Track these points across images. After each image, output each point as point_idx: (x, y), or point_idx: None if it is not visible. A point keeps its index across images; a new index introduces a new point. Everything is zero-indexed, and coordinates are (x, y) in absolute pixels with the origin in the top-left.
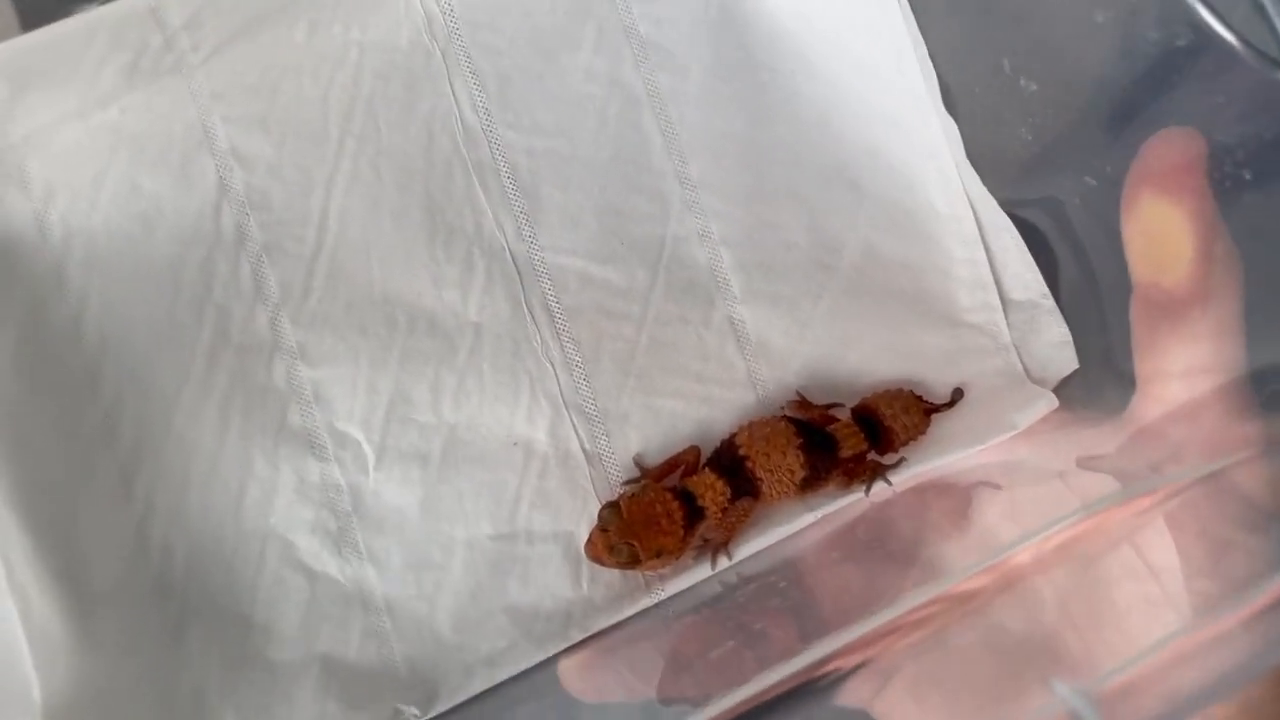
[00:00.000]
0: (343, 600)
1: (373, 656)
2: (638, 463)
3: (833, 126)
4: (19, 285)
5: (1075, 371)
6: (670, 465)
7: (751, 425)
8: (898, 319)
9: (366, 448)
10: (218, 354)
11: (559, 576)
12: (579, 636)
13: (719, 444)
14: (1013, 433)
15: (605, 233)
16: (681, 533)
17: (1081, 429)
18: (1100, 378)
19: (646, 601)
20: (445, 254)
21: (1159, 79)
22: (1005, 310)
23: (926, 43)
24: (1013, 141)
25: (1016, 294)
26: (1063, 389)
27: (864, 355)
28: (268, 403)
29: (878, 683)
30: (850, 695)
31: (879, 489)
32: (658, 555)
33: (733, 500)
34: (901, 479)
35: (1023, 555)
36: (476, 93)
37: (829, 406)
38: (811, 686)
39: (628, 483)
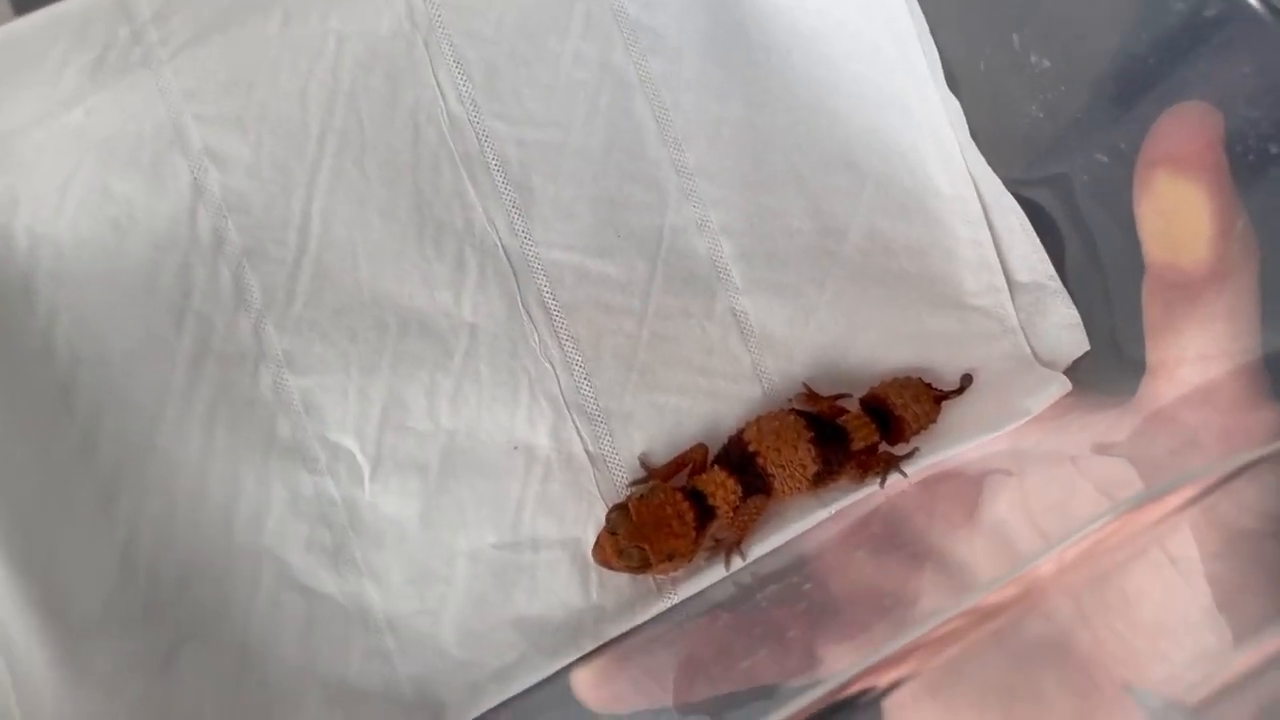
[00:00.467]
0: (342, 619)
1: (375, 677)
2: (643, 463)
3: (832, 107)
4: None
5: (1088, 353)
6: (677, 464)
7: (760, 420)
8: (904, 304)
9: (361, 458)
10: (199, 365)
11: (567, 584)
12: (591, 646)
13: (726, 440)
14: (1026, 419)
15: (601, 224)
16: (693, 534)
17: (1091, 413)
18: (1107, 360)
19: (659, 606)
20: (435, 252)
21: (1183, 51)
22: (1012, 292)
23: (928, 18)
24: (1021, 119)
25: (1022, 275)
26: (1075, 371)
27: (871, 342)
28: (255, 415)
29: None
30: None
31: (894, 480)
32: (669, 558)
33: (744, 498)
34: (916, 469)
35: (1046, 565)
36: (462, 82)
37: (837, 397)
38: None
39: (634, 484)
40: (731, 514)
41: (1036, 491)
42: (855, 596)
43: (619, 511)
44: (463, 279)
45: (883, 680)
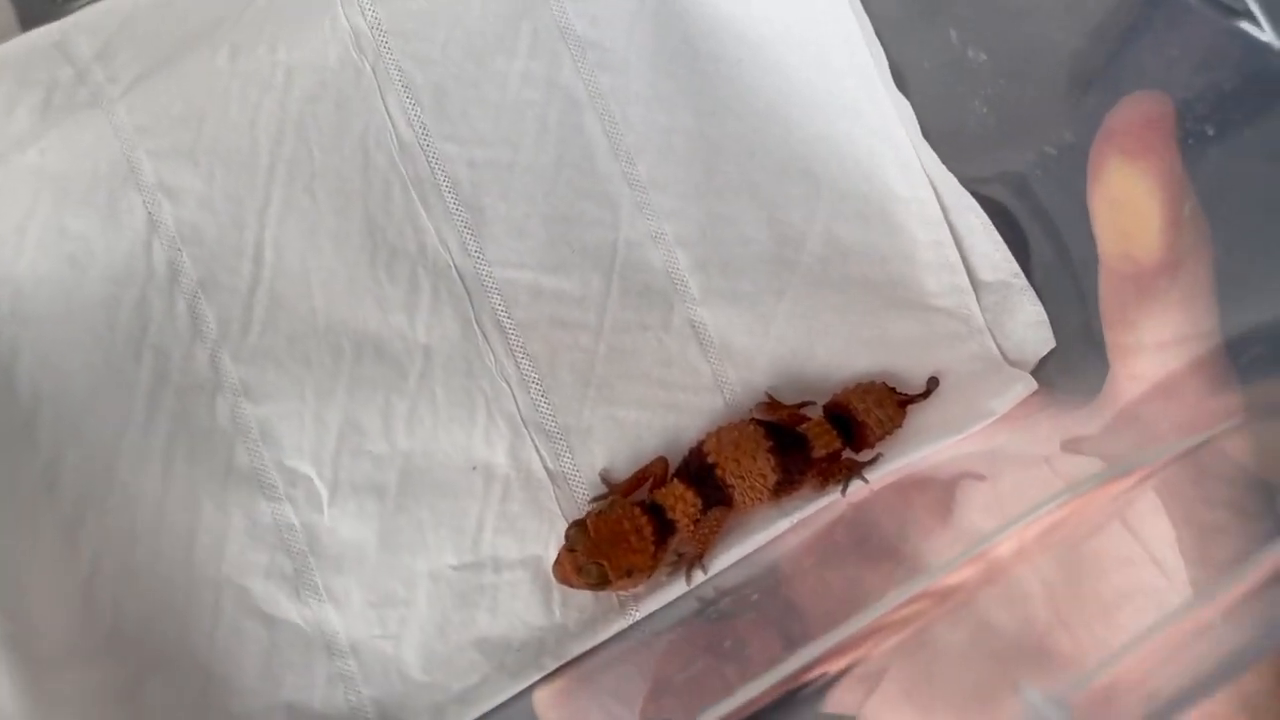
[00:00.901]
0: (304, 645)
1: (339, 702)
2: (604, 478)
3: (784, 114)
4: None
5: (1054, 351)
6: (638, 479)
7: (719, 431)
8: (865, 309)
9: (319, 483)
10: (158, 397)
11: (529, 604)
12: (553, 665)
13: (687, 453)
14: (991, 420)
15: (554, 241)
16: (652, 549)
17: (1063, 410)
18: (1080, 355)
19: (621, 624)
20: (388, 276)
21: (1111, 37)
22: (976, 292)
23: (870, 19)
24: (968, 116)
25: (986, 275)
26: (1042, 370)
27: (833, 349)
28: (213, 444)
29: (866, 686)
30: (838, 701)
31: (856, 488)
32: (628, 574)
33: (704, 511)
34: (878, 476)
35: (1005, 546)
36: (410, 107)
37: (800, 405)
38: (798, 694)
39: (595, 500)
40: (691, 527)
41: (1011, 493)
42: (821, 604)
43: (577, 528)
44: (416, 301)
45: (835, 667)
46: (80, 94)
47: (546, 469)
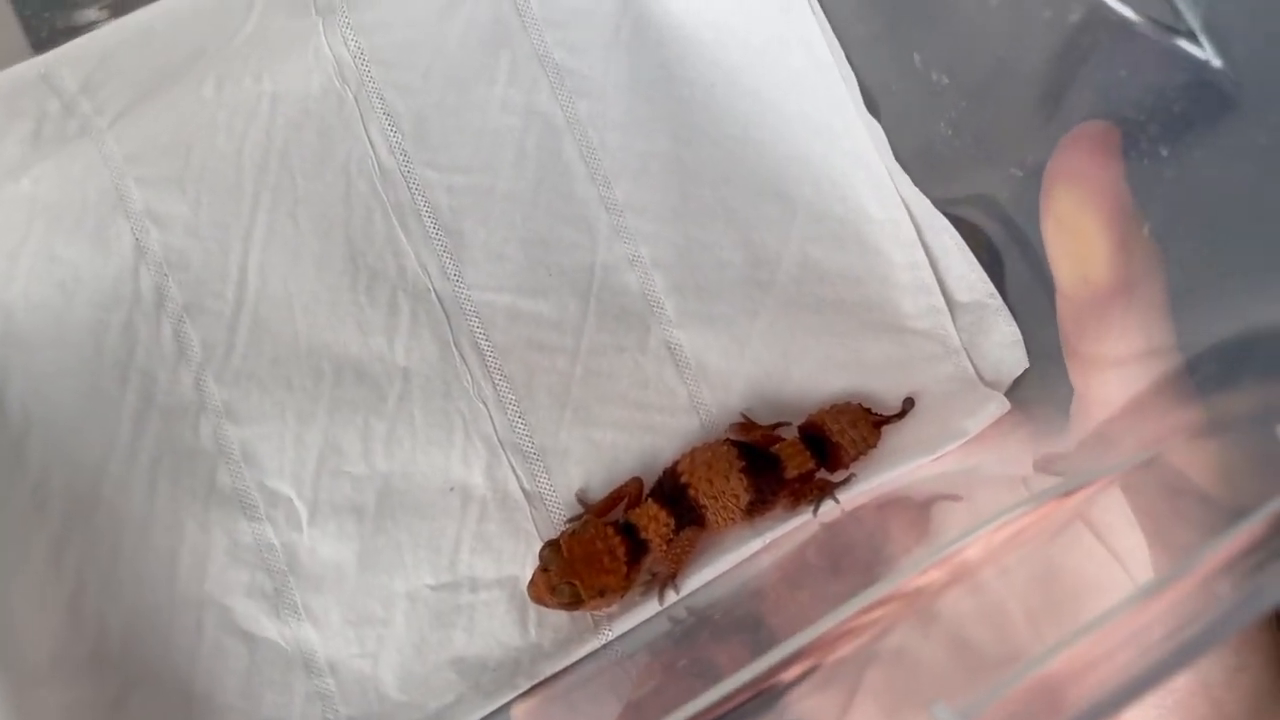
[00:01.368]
0: (284, 664)
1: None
2: (580, 499)
3: (758, 138)
4: None
5: (1031, 370)
6: (613, 499)
7: (694, 451)
8: (841, 331)
9: (299, 504)
10: (143, 419)
11: (505, 623)
12: (526, 685)
13: (661, 473)
14: (964, 439)
15: (532, 265)
16: (625, 569)
17: (1037, 430)
18: (1057, 374)
19: (595, 643)
20: (369, 299)
21: (1060, 58)
22: (952, 313)
23: (841, 44)
24: (935, 139)
25: (962, 295)
26: (1017, 389)
27: (808, 371)
28: (196, 465)
29: (839, 699)
30: (812, 712)
31: (828, 508)
32: (601, 594)
33: (677, 531)
34: (851, 496)
35: (972, 551)
36: (392, 134)
37: (775, 426)
38: (768, 700)
39: (571, 520)
40: (665, 547)
41: (986, 513)
42: (794, 624)
43: (551, 548)
44: (396, 324)
45: (798, 671)
46: (70, 125)
47: (523, 489)
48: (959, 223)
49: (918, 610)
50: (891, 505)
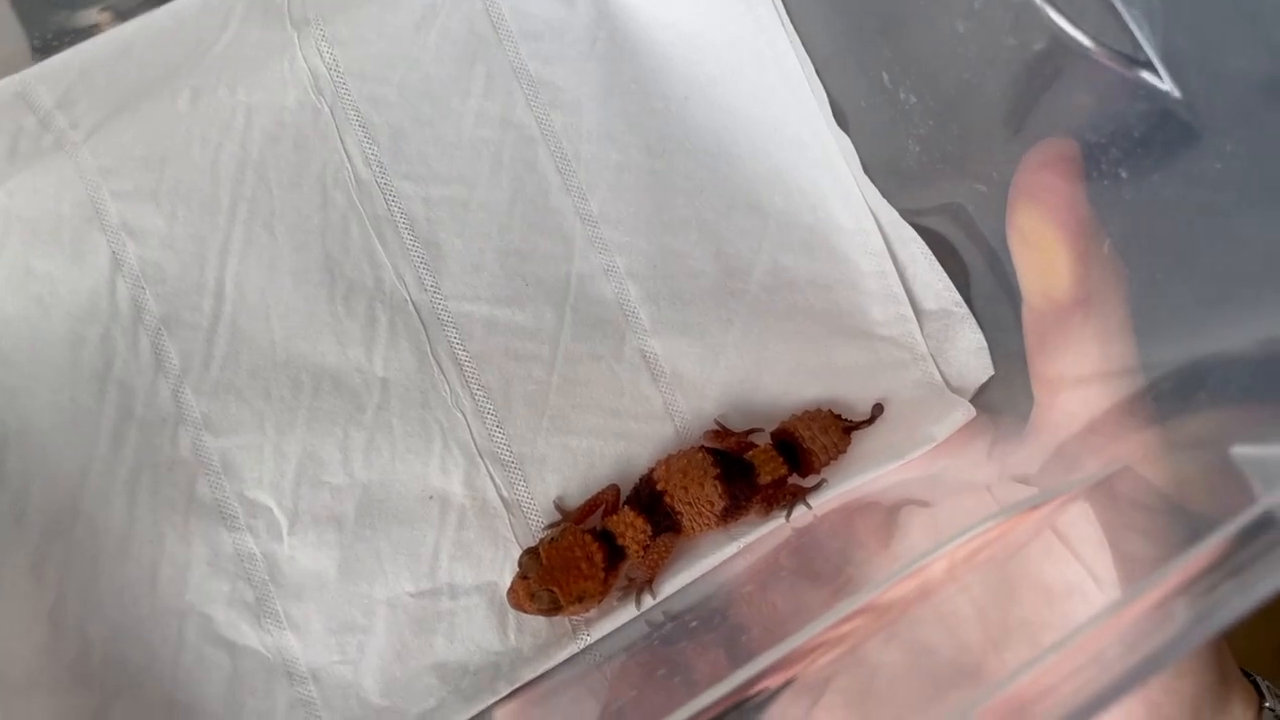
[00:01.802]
0: (266, 672)
1: None
2: (558, 506)
3: (730, 150)
4: None
5: (997, 378)
6: (590, 506)
7: (669, 459)
8: (812, 339)
9: (278, 514)
10: (122, 431)
11: (485, 629)
12: (506, 689)
13: (638, 480)
14: (931, 445)
15: (508, 275)
16: (602, 575)
17: (1001, 437)
18: (1021, 382)
19: (573, 648)
20: (346, 310)
21: (1024, 83)
22: (919, 320)
23: (811, 60)
24: (902, 154)
25: (929, 303)
26: (984, 396)
27: (780, 378)
28: (175, 476)
29: (804, 703)
30: (781, 716)
31: (800, 513)
32: (579, 600)
33: (654, 537)
34: (822, 501)
35: (938, 565)
36: (368, 146)
37: (748, 433)
38: (742, 708)
39: (549, 527)
40: (641, 553)
41: (950, 519)
42: (767, 626)
43: (530, 555)
44: (374, 335)
45: (774, 683)
46: (45, 139)
47: (501, 497)
48: (926, 233)
49: (886, 622)
50: (860, 510)
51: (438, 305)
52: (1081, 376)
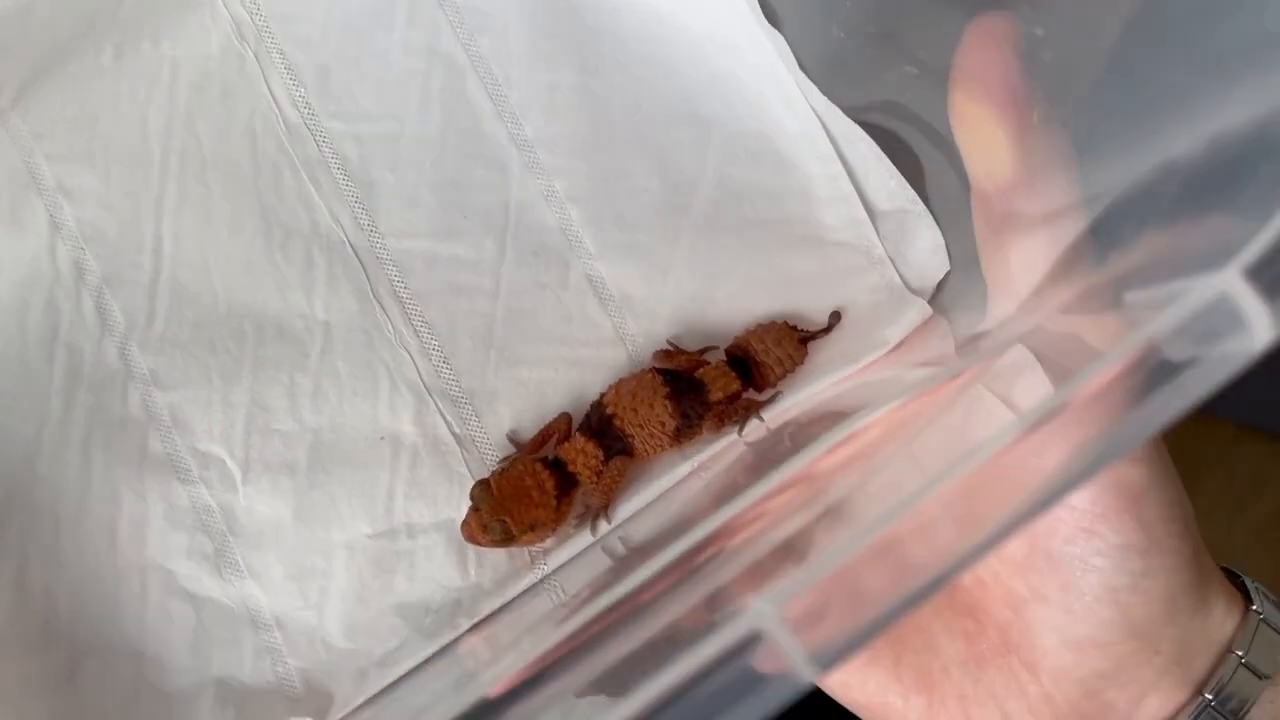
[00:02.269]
0: (230, 621)
1: (267, 673)
2: (512, 439)
3: (665, 60)
4: None
5: (952, 273)
6: (543, 437)
7: (619, 382)
8: (763, 250)
9: (231, 464)
10: (72, 393)
11: (445, 566)
12: (467, 624)
13: (590, 406)
14: (887, 349)
15: (445, 208)
16: (554, 502)
17: (960, 333)
18: (976, 275)
19: (531, 578)
20: (284, 257)
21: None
22: (874, 222)
23: None
24: (830, 44)
25: (883, 204)
26: (941, 295)
27: (733, 293)
28: (127, 433)
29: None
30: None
31: (754, 426)
32: (532, 528)
33: (606, 461)
34: (776, 412)
35: (874, 430)
36: (294, 88)
37: (702, 351)
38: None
39: (503, 460)
40: (594, 479)
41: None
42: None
43: (481, 486)
44: (313, 279)
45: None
46: None
47: (454, 434)
48: (875, 130)
49: (821, 492)
50: (817, 420)
51: (376, 244)
52: (1030, 262)
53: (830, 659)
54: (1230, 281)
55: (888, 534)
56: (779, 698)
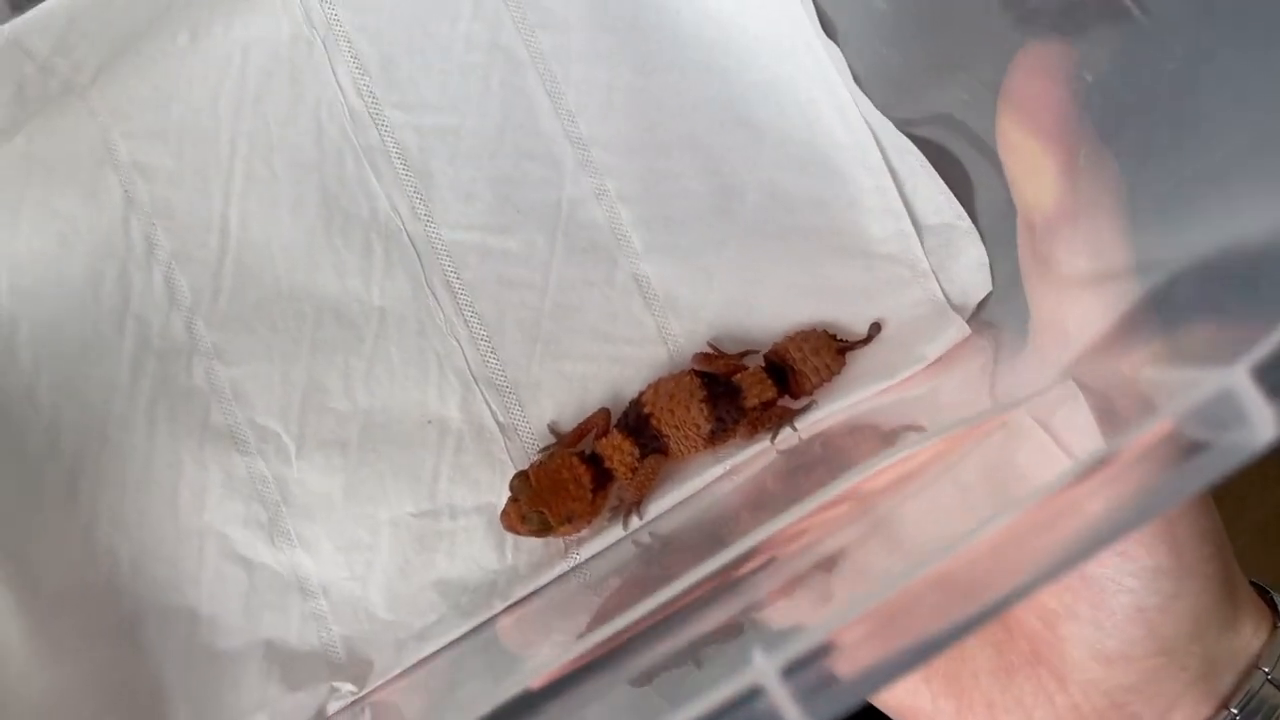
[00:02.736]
0: (280, 587)
1: (312, 639)
2: (552, 430)
3: (722, 64)
4: None
5: (995, 292)
6: (581, 431)
7: (658, 382)
8: (808, 258)
9: (286, 439)
10: (141, 362)
11: (484, 548)
12: (501, 606)
13: (629, 404)
14: (922, 365)
15: (499, 202)
16: (590, 496)
17: (1000, 353)
18: (1020, 296)
19: (564, 566)
20: (344, 242)
21: (973, 19)
22: (920, 236)
23: None
24: (887, 56)
25: (930, 218)
26: (983, 312)
27: (774, 299)
28: (191, 404)
29: (783, 590)
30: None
31: (786, 435)
32: (568, 520)
33: (641, 459)
34: (809, 423)
35: (922, 455)
36: (360, 77)
37: (741, 355)
38: (719, 596)
39: (543, 450)
40: (629, 475)
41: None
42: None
43: (520, 478)
44: (370, 265)
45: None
46: (51, 84)
47: (497, 422)
48: (927, 144)
49: (865, 511)
50: (852, 432)
51: (431, 234)
52: (1075, 292)
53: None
54: (1238, 379)
55: (926, 577)
56: None
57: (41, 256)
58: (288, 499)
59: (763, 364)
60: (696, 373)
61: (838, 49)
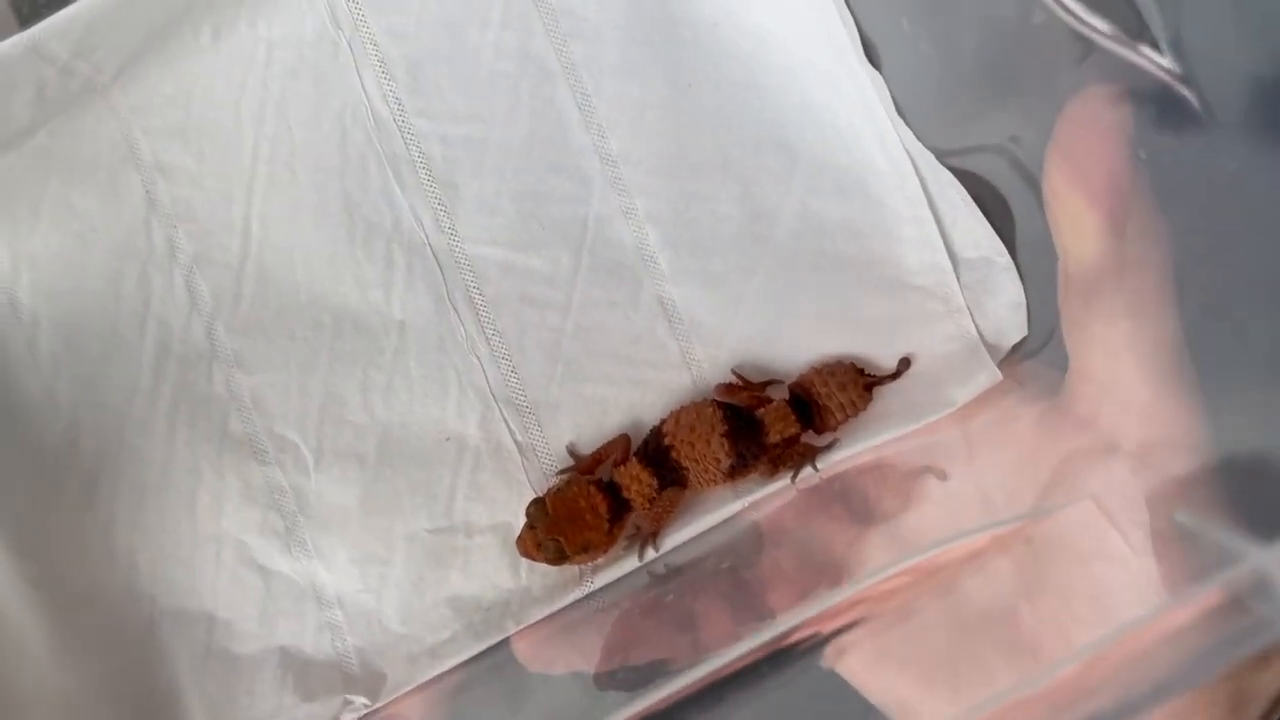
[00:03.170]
0: (297, 595)
1: (327, 649)
2: (571, 451)
3: (760, 83)
4: None
5: (1030, 335)
6: (600, 456)
7: (679, 412)
8: (839, 287)
9: (305, 450)
10: (161, 366)
11: (498, 567)
12: (514, 628)
13: (648, 433)
14: (950, 410)
15: (524, 218)
16: (607, 526)
17: (1033, 398)
18: (1056, 342)
19: (579, 592)
20: (365, 253)
21: (1021, 56)
22: (957, 270)
23: None
24: (936, 85)
25: (968, 251)
26: (1018, 355)
27: (802, 328)
28: (210, 411)
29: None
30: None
31: (807, 474)
32: (584, 549)
33: (659, 490)
34: (831, 464)
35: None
36: (385, 82)
37: (764, 385)
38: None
39: (561, 472)
40: (647, 506)
41: (967, 492)
42: (774, 584)
43: (537, 506)
44: (392, 277)
45: (827, 628)
46: (72, 84)
47: (515, 441)
48: (971, 177)
49: (926, 575)
50: (875, 471)
51: (454, 248)
52: (1113, 348)
53: None
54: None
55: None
56: None
57: (61, 254)
58: (305, 510)
59: (787, 396)
60: (719, 404)
61: (880, 76)
